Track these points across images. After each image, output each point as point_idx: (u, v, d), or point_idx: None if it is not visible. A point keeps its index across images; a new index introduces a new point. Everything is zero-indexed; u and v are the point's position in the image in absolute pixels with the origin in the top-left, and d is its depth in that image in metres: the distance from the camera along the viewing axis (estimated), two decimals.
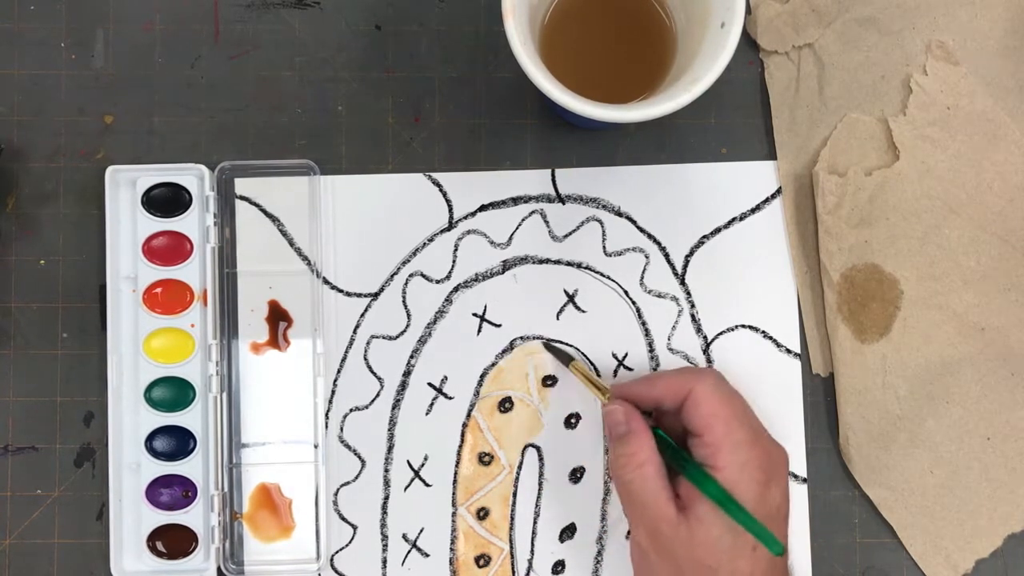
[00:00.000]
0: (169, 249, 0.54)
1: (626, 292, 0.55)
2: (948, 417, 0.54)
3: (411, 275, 0.55)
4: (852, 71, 0.55)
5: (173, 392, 0.54)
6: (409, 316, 0.55)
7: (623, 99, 0.51)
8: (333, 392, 0.55)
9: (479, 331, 0.55)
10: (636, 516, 0.48)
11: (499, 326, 0.55)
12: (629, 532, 0.50)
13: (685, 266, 0.56)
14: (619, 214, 0.56)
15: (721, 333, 0.55)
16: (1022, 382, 0.54)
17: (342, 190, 0.55)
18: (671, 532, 0.46)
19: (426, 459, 0.55)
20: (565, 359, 0.53)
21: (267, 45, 0.56)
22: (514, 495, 0.55)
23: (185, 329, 0.54)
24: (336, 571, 0.54)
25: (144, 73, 0.55)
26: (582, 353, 0.55)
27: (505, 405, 0.55)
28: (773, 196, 0.56)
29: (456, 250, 0.55)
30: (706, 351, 0.55)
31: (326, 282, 0.55)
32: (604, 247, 0.55)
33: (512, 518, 0.55)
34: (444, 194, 0.55)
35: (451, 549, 0.54)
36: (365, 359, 0.55)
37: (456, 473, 0.55)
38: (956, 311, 0.54)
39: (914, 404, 0.54)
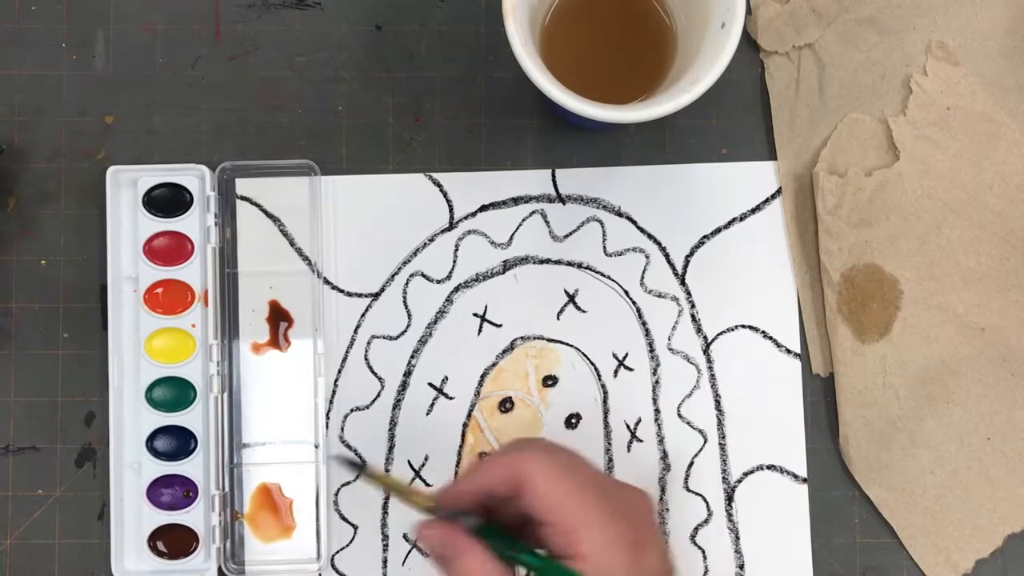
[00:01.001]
0: (170, 249, 0.54)
1: (626, 292, 0.55)
2: (948, 417, 0.54)
3: (412, 275, 0.55)
4: (852, 71, 0.55)
5: (174, 392, 0.54)
6: (410, 316, 0.55)
7: (623, 99, 0.51)
8: (334, 392, 0.55)
9: (480, 331, 0.55)
10: None
11: (500, 326, 0.55)
12: None
13: (685, 266, 0.56)
14: (619, 214, 0.56)
15: (721, 333, 0.55)
16: (1022, 382, 0.54)
17: (342, 190, 0.55)
18: None
19: (427, 459, 0.55)
20: (356, 469, 0.47)
21: (267, 45, 0.56)
22: None
23: (186, 329, 0.54)
24: (337, 571, 0.54)
25: (144, 73, 0.55)
26: (582, 353, 0.55)
27: (506, 405, 0.55)
28: (773, 196, 0.56)
29: (457, 250, 0.55)
30: (706, 351, 0.55)
31: (327, 282, 0.55)
32: (604, 247, 0.55)
33: None
34: (444, 194, 0.55)
35: None
36: (366, 359, 0.55)
37: (457, 473, 0.55)
38: (956, 311, 0.54)
39: (914, 404, 0.54)
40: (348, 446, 0.55)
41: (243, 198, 0.55)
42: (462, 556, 0.41)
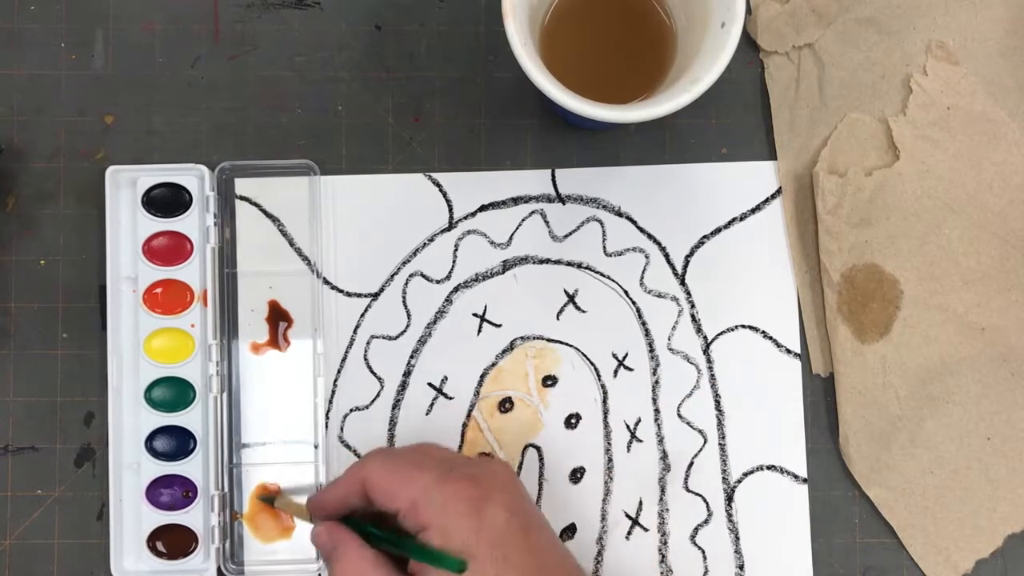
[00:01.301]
0: (169, 249, 0.54)
1: (626, 292, 0.55)
2: (948, 417, 0.54)
3: (411, 275, 0.55)
4: (852, 71, 0.55)
5: (173, 392, 0.54)
6: (409, 316, 0.55)
7: (623, 99, 0.51)
8: (333, 392, 0.55)
9: (479, 331, 0.55)
10: None
11: (499, 326, 0.55)
12: None
13: (685, 266, 0.56)
14: (619, 214, 0.56)
15: (721, 333, 0.55)
16: (1022, 382, 0.54)
17: (342, 190, 0.55)
18: None
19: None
20: (268, 502, 0.53)
21: (267, 45, 0.56)
22: None
23: (185, 329, 0.54)
24: None
25: (144, 73, 0.55)
26: (582, 353, 0.55)
27: (505, 405, 0.55)
28: (773, 196, 0.56)
29: (456, 250, 0.55)
30: (706, 351, 0.55)
31: (326, 282, 0.55)
32: (604, 247, 0.55)
33: None
34: (444, 194, 0.55)
35: None
36: (365, 359, 0.55)
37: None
38: (956, 311, 0.54)
39: (914, 404, 0.54)
40: (348, 446, 0.54)
41: (242, 198, 0.55)
42: (341, 545, 0.45)
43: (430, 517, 0.42)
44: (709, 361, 0.55)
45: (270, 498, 0.53)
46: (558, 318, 0.55)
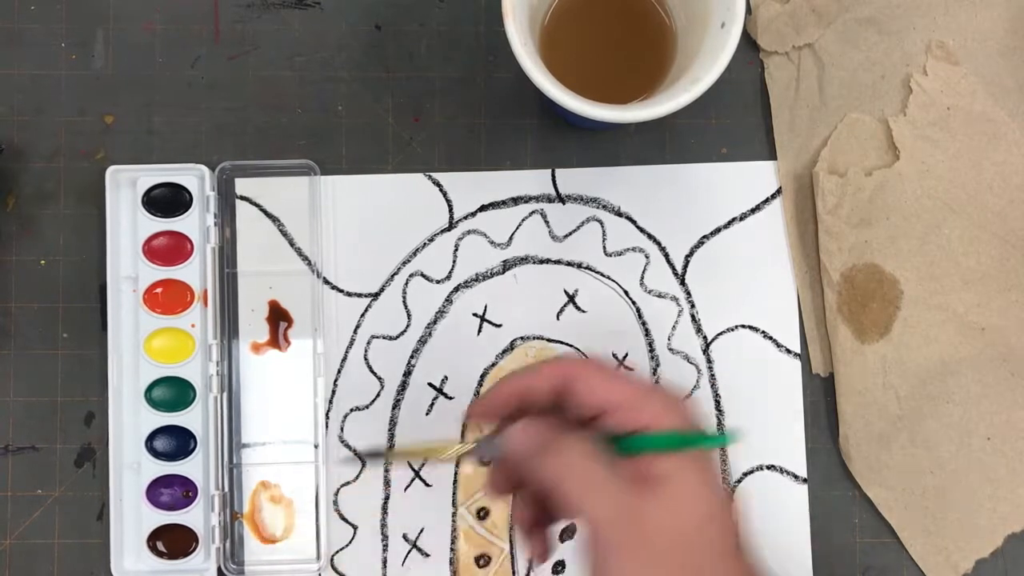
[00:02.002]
0: (169, 249, 0.54)
1: (626, 292, 0.55)
2: (948, 417, 0.54)
3: (411, 275, 0.55)
4: (852, 71, 0.55)
5: (173, 392, 0.54)
6: (409, 316, 0.55)
7: (623, 99, 0.51)
8: (333, 392, 0.55)
9: (479, 331, 0.55)
10: (599, 514, 0.39)
11: (499, 326, 0.55)
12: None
13: (685, 266, 0.56)
14: (619, 214, 0.56)
15: (721, 333, 0.55)
16: (1022, 382, 0.54)
17: (342, 190, 0.55)
18: (651, 510, 0.39)
19: (426, 459, 0.55)
20: (380, 456, 0.52)
21: (267, 45, 0.56)
22: (514, 495, 0.55)
23: (185, 329, 0.54)
24: (336, 571, 0.54)
25: (144, 73, 0.55)
26: (582, 353, 0.55)
27: None
28: (773, 196, 0.56)
29: (456, 250, 0.55)
30: (706, 351, 0.55)
31: (326, 282, 0.55)
32: (604, 247, 0.55)
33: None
34: (444, 194, 0.55)
35: (451, 549, 0.54)
36: (365, 359, 0.55)
37: (456, 473, 0.55)
38: (956, 311, 0.54)
39: (914, 404, 0.54)
40: (348, 446, 0.54)
41: (243, 198, 0.55)
42: (553, 438, 0.40)
43: (653, 415, 0.40)
44: (709, 361, 0.55)
45: (375, 451, 0.52)
46: (558, 318, 0.55)
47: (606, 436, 0.41)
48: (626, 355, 0.55)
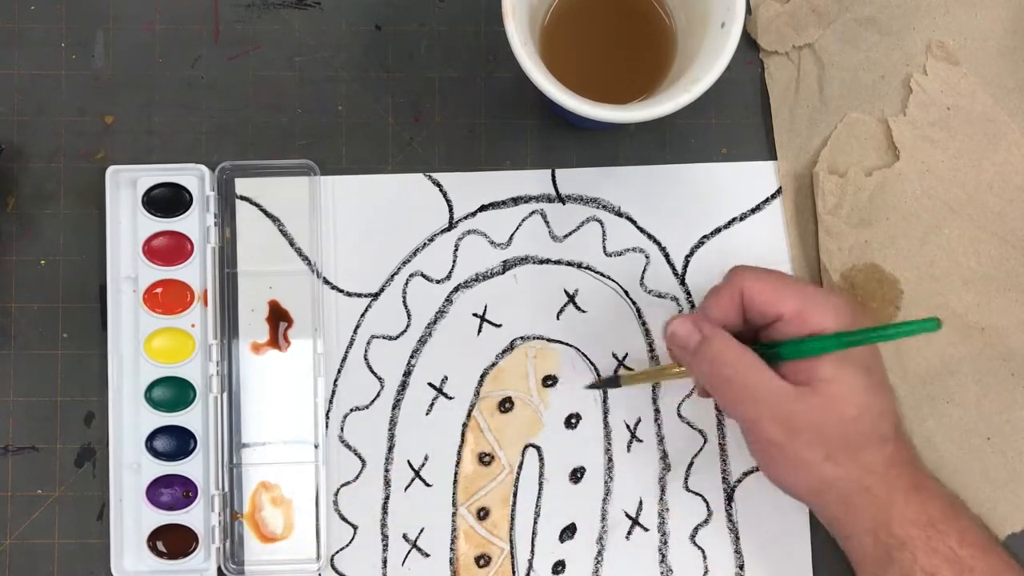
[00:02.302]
0: (169, 249, 0.54)
1: (626, 292, 0.55)
2: (948, 417, 0.54)
3: (411, 275, 0.55)
4: (852, 71, 0.55)
5: (173, 392, 0.54)
6: (409, 316, 0.55)
7: (623, 99, 0.51)
8: (333, 392, 0.55)
9: (479, 331, 0.55)
10: (759, 412, 0.45)
11: (499, 326, 0.55)
12: (748, 445, 0.47)
13: (685, 266, 0.56)
14: (619, 214, 0.56)
15: None
16: (1022, 382, 0.54)
17: (342, 190, 0.55)
18: (802, 407, 0.44)
19: (426, 459, 0.55)
20: (614, 383, 0.54)
21: (267, 45, 0.56)
22: (514, 495, 0.55)
23: (185, 329, 0.54)
24: (336, 571, 0.54)
25: (144, 73, 0.55)
26: (582, 353, 0.55)
27: (505, 405, 0.55)
28: (773, 196, 0.56)
29: (456, 250, 0.55)
30: None
31: (326, 282, 0.55)
32: (604, 247, 0.55)
33: (512, 518, 0.55)
34: (444, 194, 0.55)
35: (451, 549, 0.54)
36: (365, 359, 0.55)
37: (456, 473, 0.55)
38: (956, 311, 0.54)
39: (914, 404, 0.54)
40: (348, 446, 0.55)
41: (243, 198, 0.55)
42: (712, 336, 0.46)
43: (821, 319, 0.45)
44: None
45: (609, 380, 0.54)
46: (558, 318, 0.55)
47: (775, 346, 0.46)
48: (626, 355, 0.55)
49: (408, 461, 0.55)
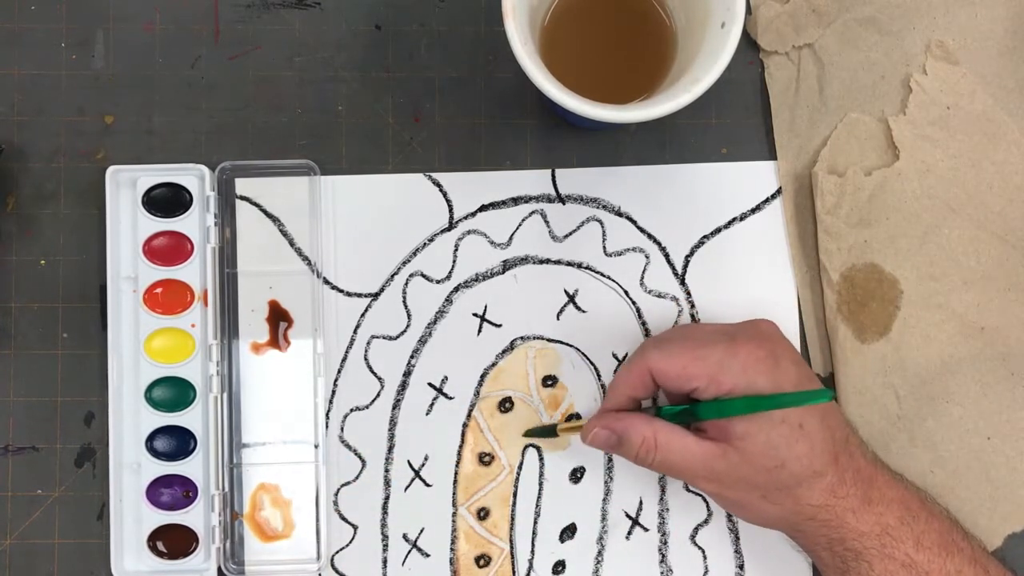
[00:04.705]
0: (169, 249, 0.54)
1: (626, 292, 0.55)
2: (948, 417, 0.54)
3: (411, 275, 0.55)
4: (852, 71, 0.55)
5: (173, 392, 0.54)
6: (409, 316, 0.55)
7: (623, 99, 0.51)
8: (333, 392, 0.55)
9: (479, 331, 0.55)
10: (690, 477, 0.49)
11: (499, 326, 0.55)
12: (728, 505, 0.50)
13: (685, 266, 0.56)
14: (619, 214, 0.56)
15: None
16: (1022, 382, 0.54)
17: (342, 190, 0.55)
18: (726, 464, 0.47)
19: (426, 459, 0.55)
20: (551, 433, 0.54)
21: (267, 45, 0.56)
22: (514, 495, 0.55)
23: (185, 329, 0.54)
24: (336, 571, 0.54)
25: (144, 73, 0.55)
26: (582, 353, 0.55)
27: (505, 405, 0.55)
28: (773, 196, 0.56)
29: (456, 250, 0.55)
30: None
31: (326, 282, 0.55)
32: (604, 247, 0.55)
33: (512, 518, 0.55)
34: (444, 194, 0.55)
35: (451, 549, 0.54)
36: (365, 359, 0.55)
37: (456, 473, 0.55)
38: (956, 311, 0.54)
39: (914, 404, 0.54)
40: (348, 446, 0.55)
41: (243, 198, 0.55)
42: (627, 428, 0.48)
43: (733, 382, 0.46)
44: None
45: (546, 428, 0.54)
46: (558, 318, 0.55)
47: (690, 407, 0.48)
48: (626, 355, 0.55)
49: (408, 461, 0.55)
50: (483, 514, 0.55)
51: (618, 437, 0.49)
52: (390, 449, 0.55)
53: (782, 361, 0.47)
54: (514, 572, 0.55)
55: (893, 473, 0.51)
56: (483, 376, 0.55)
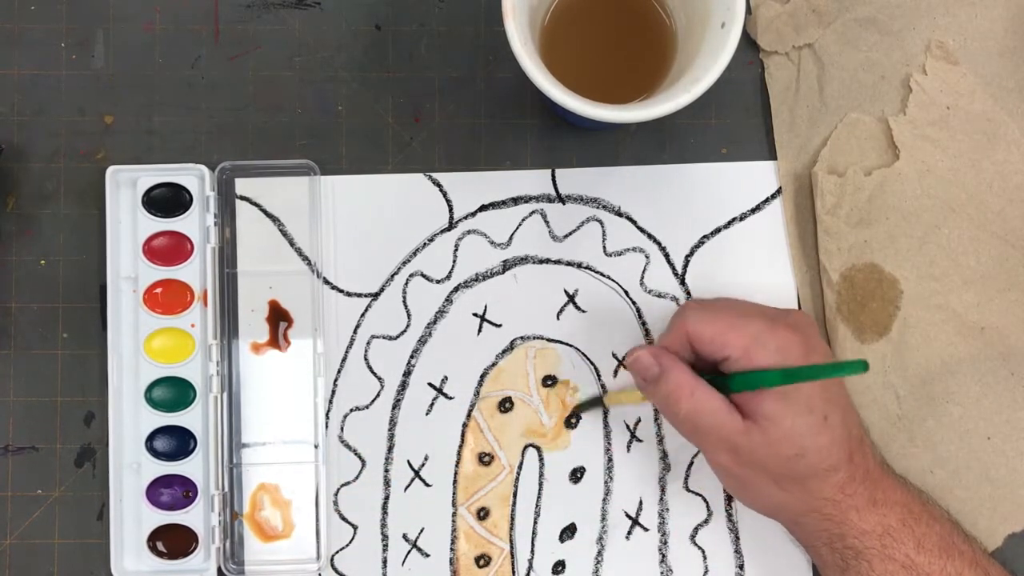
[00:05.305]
0: (169, 249, 0.54)
1: (626, 292, 0.55)
2: (948, 417, 0.54)
3: (411, 275, 0.55)
4: (852, 71, 0.55)
5: (173, 392, 0.54)
6: (409, 316, 0.55)
7: (623, 99, 0.51)
8: (333, 392, 0.55)
9: (479, 331, 0.55)
10: (709, 442, 0.48)
11: (499, 326, 0.55)
12: (713, 462, 0.49)
13: (685, 266, 0.56)
14: (619, 214, 0.56)
15: None
16: (1022, 382, 0.54)
17: (342, 190, 0.55)
18: (747, 441, 0.46)
19: (426, 459, 0.55)
20: (598, 404, 0.54)
21: (267, 45, 0.56)
22: (514, 495, 0.55)
23: (185, 329, 0.54)
24: (336, 571, 0.54)
25: (144, 73, 0.55)
26: (582, 353, 0.55)
27: (505, 405, 0.55)
28: (773, 196, 0.56)
29: (456, 250, 0.55)
30: None
31: (326, 282, 0.55)
32: (604, 247, 0.55)
33: (512, 518, 0.55)
34: (444, 194, 0.55)
35: (451, 549, 0.54)
36: (365, 359, 0.55)
37: (456, 473, 0.55)
38: (956, 311, 0.54)
39: (914, 404, 0.54)
40: (348, 446, 0.55)
41: (243, 198, 0.55)
42: (670, 369, 0.47)
43: (766, 359, 0.46)
44: None
45: (593, 400, 0.54)
46: (558, 318, 0.55)
47: (721, 377, 0.47)
48: (625, 355, 0.55)
49: (408, 461, 0.55)
50: (483, 514, 0.55)
51: (660, 369, 0.48)
52: (390, 449, 0.55)
53: (813, 354, 0.47)
54: (514, 572, 0.55)
55: (897, 477, 0.51)
56: (483, 376, 0.55)
